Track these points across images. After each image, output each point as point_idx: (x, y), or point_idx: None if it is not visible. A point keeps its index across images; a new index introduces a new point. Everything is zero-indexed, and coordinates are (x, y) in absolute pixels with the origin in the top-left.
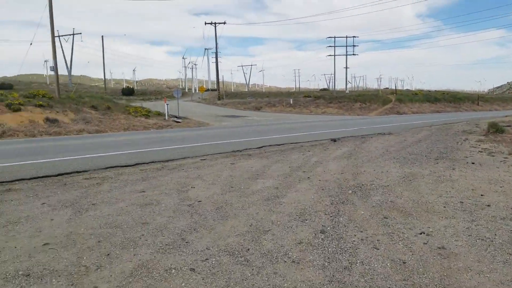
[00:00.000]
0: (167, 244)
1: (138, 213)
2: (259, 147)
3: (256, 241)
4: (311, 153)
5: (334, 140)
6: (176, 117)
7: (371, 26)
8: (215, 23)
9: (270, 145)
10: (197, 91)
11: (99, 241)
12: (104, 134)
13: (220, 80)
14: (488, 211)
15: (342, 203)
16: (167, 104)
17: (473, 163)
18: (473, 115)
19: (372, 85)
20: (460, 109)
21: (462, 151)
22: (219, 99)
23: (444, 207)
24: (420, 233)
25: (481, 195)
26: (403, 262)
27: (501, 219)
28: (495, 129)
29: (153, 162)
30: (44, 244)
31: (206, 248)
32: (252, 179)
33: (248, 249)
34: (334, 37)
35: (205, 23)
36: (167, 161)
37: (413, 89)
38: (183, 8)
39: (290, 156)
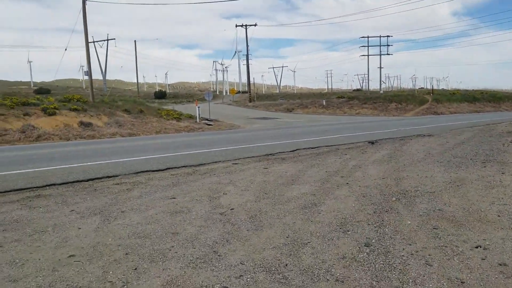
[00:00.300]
0: (198, 258)
1: (168, 222)
2: (292, 150)
3: (294, 255)
4: (348, 156)
5: (372, 143)
6: (207, 120)
7: (405, 26)
8: (246, 26)
9: (304, 148)
10: (228, 93)
11: (126, 253)
12: (136, 137)
13: (251, 82)
14: None
15: (386, 211)
16: (198, 107)
17: None
18: None
19: (407, 85)
20: (500, 108)
21: (509, 153)
22: (250, 101)
23: (499, 216)
24: (476, 247)
25: None
26: (461, 282)
27: None
28: None
29: (184, 166)
30: (70, 256)
31: (240, 263)
32: (287, 185)
33: (286, 265)
34: (368, 37)
35: (236, 26)
36: (198, 165)
37: (449, 89)
38: (215, 12)
39: (326, 160)
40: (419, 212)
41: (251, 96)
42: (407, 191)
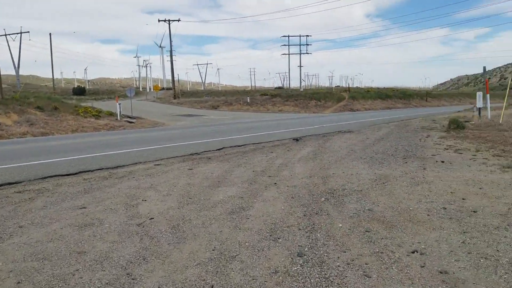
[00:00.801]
0: (107, 283)
1: (75, 238)
2: (218, 149)
3: (221, 273)
4: (274, 154)
5: (297, 140)
6: (130, 117)
7: (324, 26)
8: (169, 20)
9: (230, 146)
10: (152, 90)
11: (18, 282)
12: (49, 137)
13: (175, 78)
14: (477, 219)
15: (316, 214)
16: (119, 104)
17: (442, 161)
18: (425, 111)
19: (324, 83)
20: (410, 105)
21: (427, 148)
22: (174, 98)
23: (428, 215)
24: (413, 252)
25: (463, 199)
26: None
27: (494, 228)
28: (456, 125)
29: (99, 169)
30: None
31: (158, 287)
32: (213, 188)
33: (212, 286)
34: (288, 36)
35: (159, 21)
36: (116, 167)
37: (363, 87)
38: (137, 6)
39: (252, 158)
40: (349, 213)
41: (176, 93)
42: (335, 190)
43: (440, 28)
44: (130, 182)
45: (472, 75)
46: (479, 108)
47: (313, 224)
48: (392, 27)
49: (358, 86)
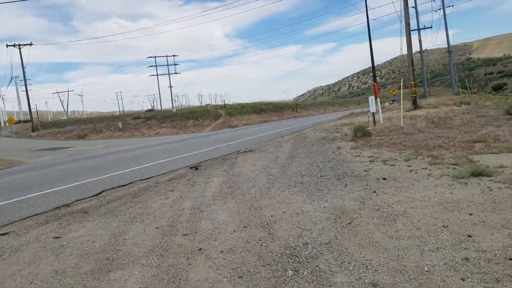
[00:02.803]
0: None
1: None
2: (97, 194)
3: None
4: (177, 193)
5: (196, 168)
6: None
7: (187, 47)
8: (19, 45)
9: (113, 188)
10: (6, 124)
11: None
12: None
13: (33, 109)
14: None
15: None
16: None
17: (384, 178)
18: (302, 121)
19: (194, 102)
20: (284, 117)
21: (351, 163)
22: (33, 130)
23: (462, 279)
24: None
25: (469, 236)
26: None
27: None
28: (362, 132)
29: None
30: None
31: None
32: (99, 275)
33: None
34: (155, 57)
35: (7, 45)
36: None
37: (232, 104)
38: None
39: (149, 204)
40: None
41: (34, 125)
42: (294, 248)
43: (293, 45)
44: None
45: (325, 85)
46: (373, 113)
47: None
48: (249, 45)
49: (227, 103)
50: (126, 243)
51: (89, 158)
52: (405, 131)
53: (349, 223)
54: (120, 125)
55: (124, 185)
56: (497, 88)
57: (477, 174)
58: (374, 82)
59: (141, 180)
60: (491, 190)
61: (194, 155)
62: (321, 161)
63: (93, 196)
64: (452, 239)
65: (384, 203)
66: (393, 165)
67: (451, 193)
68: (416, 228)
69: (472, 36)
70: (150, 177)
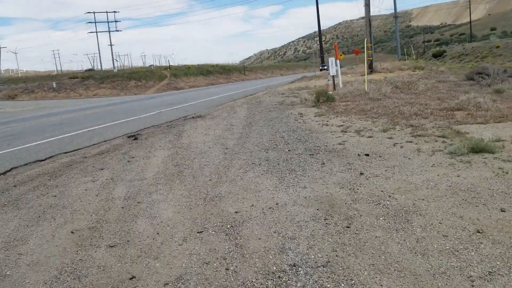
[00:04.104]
0: None
1: None
2: (4, 173)
3: None
4: (107, 173)
5: (135, 137)
6: None
7: (129, 5)
8: None
9: (27, 164)
10: None
11: None
12: None
13: None
14: None
15: None
16: None
17: (366, 154)
18: (253, 84)
19: (137, 63)
20: (231, 79)
21: (320, 133)
22: None
23: None
24: None
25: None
26: None
27: None
28: (325, 97)
29: None
30: None
31: None
32: None
33: None
34: (94, 12)
35: None
36: None
37: (176, 65)
38: None
39: (68, 190)
40: None
41: None
42: (279, 275)
43: (240, 6)
44: None
45: (271, 49)
46: (333, 76)
47: None
48: (195, 3)
49: (172, 64)
50: (20, 263)
51: (11, 122)
52: (370, 96)
53: (347, 227)
54: (54, 85)
55: (41, 160)
56: (437, 55)
57: (478, 150)
58: (319, 45)
59: (65, 153)
60: (506, 173)
61: (134, 120)
62: (284, 130)
63: None
64: (501, 254)
65: (382, 191)
66: (370, 137)
67: (458, 176)
68: (443, 236)
69: (413, 3)
70: (78, 149)
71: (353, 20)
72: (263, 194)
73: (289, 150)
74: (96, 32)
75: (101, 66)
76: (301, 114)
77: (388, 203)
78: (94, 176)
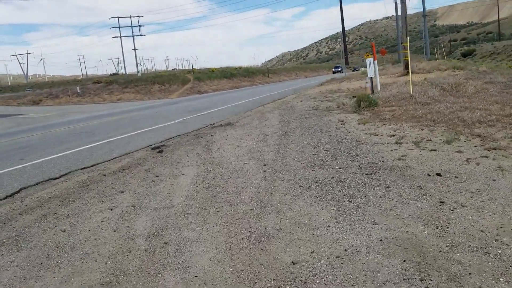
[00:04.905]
0: None
1: None
2: (11, 195)
3: None
4: (128, 198)
5: (160, 150)
6: None
7: (151, 9)
8: None
9: (38, 184)
10: None
11: None
12: None
13: None
14: None
15: None
16: None
17: (438, 174)
18: (278, 87)
19: (161, 67)
20: (255, 82)
21: (370, 145)
22: None
23: None
24: None
25: None
26: None
27: None
28: (367, 102)
29: None
30: None
31: None
32: None
33: None
34: (118, 17)
35: None
36: None
37: (200, 68)
38: None
39: (81, 222)
40: None
41: None
42: None
43: (261, 9)
44: None
45: (293, 51)
46: (371, 78)
47: None
48: (216, 7)
49: (195, 68)
50: None
51: (29, 131)
52: (417, 100)
53: None
54: (78, 90)
55: (55, 178)
56: (466, 54)
57: None
58: (343, 46)
59: (82, 169)
60: None
61: (159, 129)
62: (327, 141)
63: (4, 198)
64: None
65: (482, 231)
66: (434, 150)
67: None
68: None
69: (438, 2)
70: (96, 164)
71: (377, 20)
72: (323, 233)
73: (339, 168)
74: (120, 36)
75: (125, 70)
76: (342, 121)
77: (499, 251)
78: (112, 201)
